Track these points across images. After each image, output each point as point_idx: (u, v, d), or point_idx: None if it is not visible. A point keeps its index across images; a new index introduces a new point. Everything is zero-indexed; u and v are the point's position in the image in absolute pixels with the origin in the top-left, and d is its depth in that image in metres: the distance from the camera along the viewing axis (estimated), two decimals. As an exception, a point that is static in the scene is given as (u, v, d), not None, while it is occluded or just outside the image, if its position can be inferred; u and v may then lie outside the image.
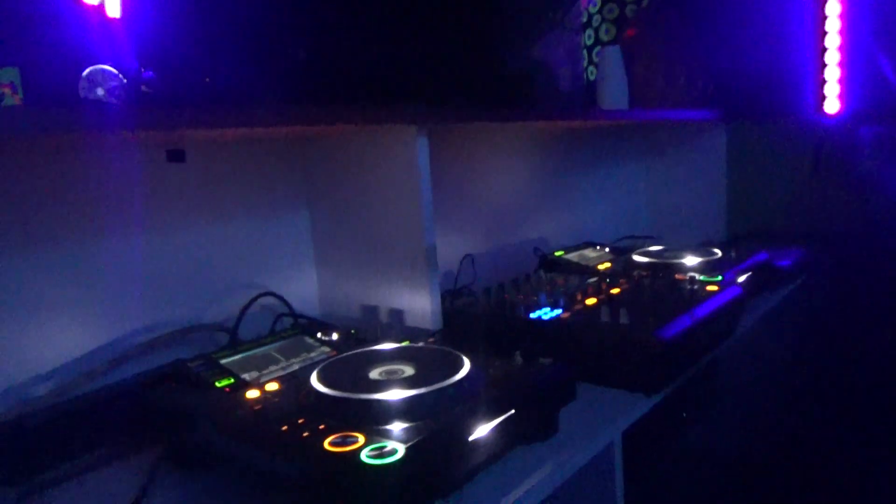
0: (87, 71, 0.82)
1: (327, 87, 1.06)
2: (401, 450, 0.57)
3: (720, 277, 1.17)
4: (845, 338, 1.60)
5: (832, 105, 1.93)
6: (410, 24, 1.26)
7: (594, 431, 0.79)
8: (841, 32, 1.91)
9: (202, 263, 1.01)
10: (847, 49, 1.91)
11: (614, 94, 1.78)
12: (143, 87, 0.90)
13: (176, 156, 0.92)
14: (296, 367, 0.83)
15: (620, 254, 1.47)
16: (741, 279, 1.23)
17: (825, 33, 1.93)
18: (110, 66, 0.85)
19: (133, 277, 0.93)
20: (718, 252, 1.36)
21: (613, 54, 1.78)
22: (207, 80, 1.01)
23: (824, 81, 1.95)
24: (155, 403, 0.77)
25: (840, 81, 1.92)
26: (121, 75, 0.85)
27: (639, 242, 1.62)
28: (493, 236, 1.53)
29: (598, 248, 1.54)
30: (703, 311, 0.97)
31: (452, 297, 1.17)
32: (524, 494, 0.67)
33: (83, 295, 0.89)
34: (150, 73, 0.91)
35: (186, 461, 0.75)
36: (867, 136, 1.06)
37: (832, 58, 1.93)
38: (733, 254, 1.37)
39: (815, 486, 1.58)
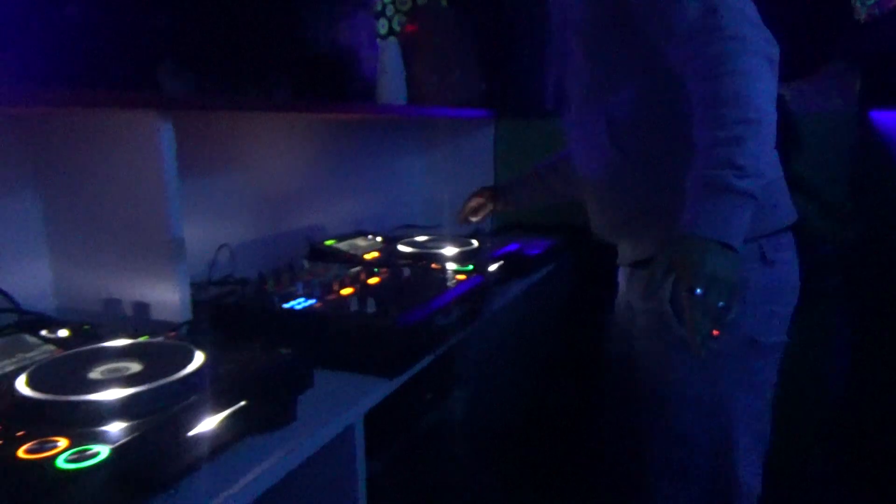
0: None
1: (64, 64, 0.98)
2: (104, 452, 0.55)
3: (471, 267, 1.28)
4: (581, 317, 1.83)
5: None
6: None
7: (334, 416, 0.83)
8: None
9: None
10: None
11: (392, 87, 1.84)
12: None
13: None
14: (9, 369, 0.76)
15: (391, 243, 1.54)
16: (492, 268, 1.36)
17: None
18: None
19: None
20: (475, 242, 1.48)
21: (392, 48, 1.84)
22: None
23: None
24: None
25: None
26: None
27: (409, 232, 1.70)
28: (265, 224, 1.51)
29: (370, 237, 1.59)
30: (445, 298, 1.06)
31: (208, 288, 1.14)
32: (252, 481, 0.68)
33: None
34: None
35: None
36: None
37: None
38: (489, 244, 1.51)
39: (559, 455, 1.80)
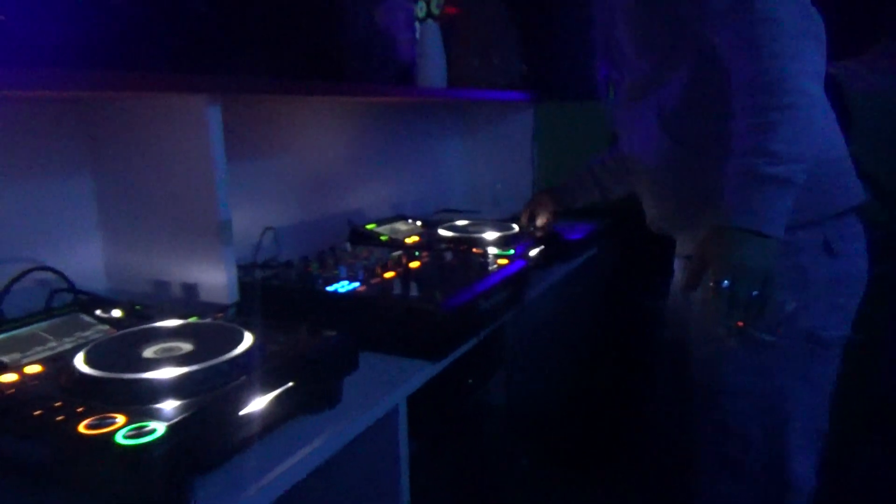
0: None
1: (114, 48, 0.99)
2: (160, 429, 0.57)
3: (512, 251, 1.27)
4: (625, 303, 1.80)
5: (626, 93, 2.14)
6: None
7: (378, 398, 0.84)
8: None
9: (-40, 235, 0.92)
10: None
11: (432, 71, 1.82)
12: None
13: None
14: (67, 346, 0.78)
15: (431, 227, 1.54)
16: (533, 252, 1.35)
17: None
18: None
19: None
20: (516, 227, 1.47)
21: (432, 31, 1.82)
22: (2, 18, 0.90)
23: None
24: None
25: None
26: None
27: (449, 216, 1.70)
28: (306, 207, 1.53)
29: (410, 221, 1.59)
30: (487, 283, 1.05)
31: (254, 270, 1.16)
32: (299, 461, 0.69)
33: None
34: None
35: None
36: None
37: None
38: (530, 228, 1.49)
39: (604, 442, 1.79)
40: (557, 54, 2.11)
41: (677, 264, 1.23)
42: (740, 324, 0.85)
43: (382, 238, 1.41)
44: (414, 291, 0.97)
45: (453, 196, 2.20)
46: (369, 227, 1.47)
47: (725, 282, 0.84)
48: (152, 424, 0.57)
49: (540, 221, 1.51)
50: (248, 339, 0.74)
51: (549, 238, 1.44)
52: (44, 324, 0.84)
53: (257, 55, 1.28)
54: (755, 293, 0.84)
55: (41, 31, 0.93)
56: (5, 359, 0.73)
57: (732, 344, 0.91)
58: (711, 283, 0.86)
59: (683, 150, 1.02)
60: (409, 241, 1.41)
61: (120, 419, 0.59)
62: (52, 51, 0.94)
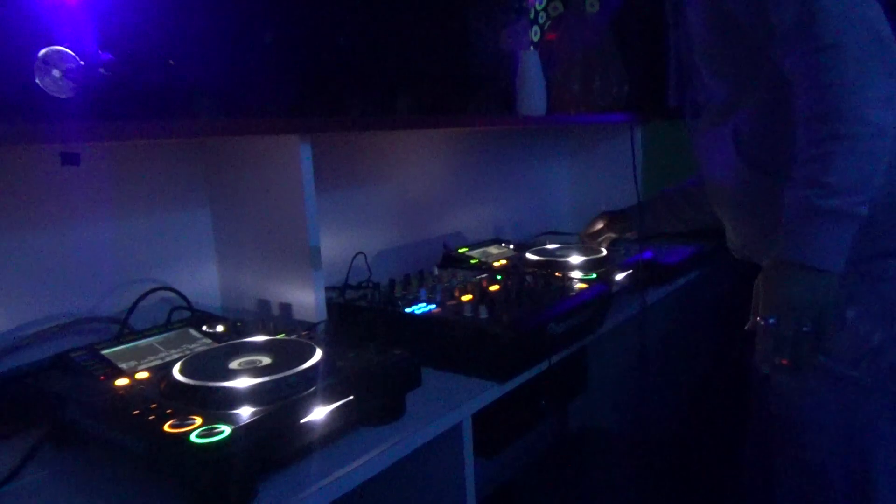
0: (43, 52, 0.84)
1: (220, 97, 1.13)
2: (227, 430, 0.65)
3: (594, 276, 1.28)
4: (728, 330, 1.71)
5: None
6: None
7: (442, 413, 0.89)
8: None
9: (101, 259, 1.08)
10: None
11: (532, 98, 1.86)
12: (102, 70, 0.92)
13: (70, 158, 0.98)
14: (175, 357, 0.91)
15: (523, 251, 1.57)
16: (619, 277, 1.34)
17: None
18: (67, 47, 0.85)
19: (26, 271, 0.99)
20: (604, 251, 1.46)
21: (531, 59, 1.87)
22: (171, 62, 1.05)
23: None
24: (37, 389, 0.84)
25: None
26: (77, 57, 0.86)
27: (545, 239, 1.71)
28: (405, 232, 1.62)
29: (503, 244, 1.63)
30: (561, 307, 1.07)
31: (345, 291, 1.25)
32: (359, 467, 0.76)
33: (-20, 289, 0.96)
34: (109, 55, 0.93)
35: (64, 442, 0.83)
36: None
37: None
38: (622, 251, 1.48)
39: (684, 471, 1.71)
40: (661, 74, 2.07)
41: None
42: (784, 362, 0.83)
43: (472, 261, 1.47)
44: (483, 314, 1.02)
45: (562, 218, 2.21)
46: (462, 250, 1.53)
47: (771, 319, 0.83)
48: (222, 427, 0.66)
49: (596, 242, 1.56)
50: (317, 355, 0.82)
51: (641, 262, 1.42)
52: (160, 336, 0.97)
53: (349, 96, 1.39)
54: (805, 329, 0.81)
55: (170, 88, 1.08)
56: (124, 366, 0.87)
57: (782, 380, 0.88)
58: (758, 319, 0.84)
59: (760, 176, 0.99)
60: (497, 264, 1.45)
61: (197, 421, 0.68)
62: (180, 103, 1.09)
